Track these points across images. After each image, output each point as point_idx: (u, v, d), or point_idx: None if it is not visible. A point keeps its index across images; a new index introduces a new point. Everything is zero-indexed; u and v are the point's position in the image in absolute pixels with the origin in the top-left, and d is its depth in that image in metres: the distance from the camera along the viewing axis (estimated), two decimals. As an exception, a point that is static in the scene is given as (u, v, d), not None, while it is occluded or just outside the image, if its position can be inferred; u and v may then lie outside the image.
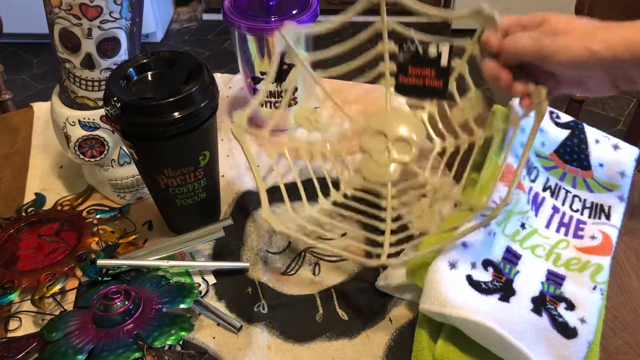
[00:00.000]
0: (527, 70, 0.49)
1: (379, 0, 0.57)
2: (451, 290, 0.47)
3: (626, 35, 0.43)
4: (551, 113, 0.62)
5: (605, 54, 0.43)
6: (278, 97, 0.70)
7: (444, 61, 0.55)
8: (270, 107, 0.72)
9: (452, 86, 0.58)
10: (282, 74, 0.66)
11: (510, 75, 0.49)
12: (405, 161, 0.57)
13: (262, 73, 0.69)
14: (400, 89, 0.58)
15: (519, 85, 0.49)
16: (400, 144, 0.58)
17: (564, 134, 0.63)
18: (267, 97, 0.71)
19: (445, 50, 0.55)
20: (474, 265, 0.50)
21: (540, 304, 0.48)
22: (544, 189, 0.59)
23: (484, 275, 0.50)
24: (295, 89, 0.70)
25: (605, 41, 0.43)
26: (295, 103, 0.72)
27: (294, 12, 0.66)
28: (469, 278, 0.49)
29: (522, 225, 0.56)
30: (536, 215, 0.57)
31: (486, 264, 0.51)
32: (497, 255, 0.52)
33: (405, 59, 0.56)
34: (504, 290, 0.49)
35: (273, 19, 0.65)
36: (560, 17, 0.47)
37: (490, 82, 0.50)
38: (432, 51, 0.55)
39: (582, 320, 0.47)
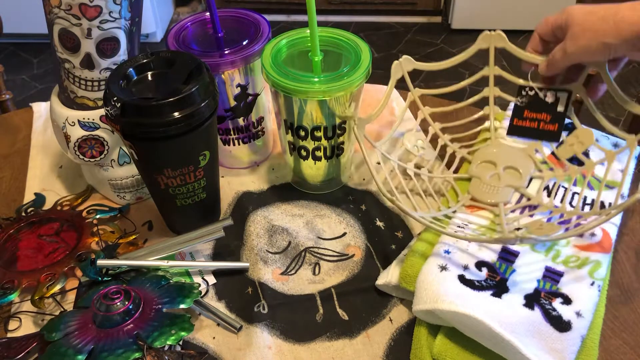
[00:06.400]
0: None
1: (489, 46, 0.60)
2: (443, 288, 0.48)
3: (629, 19, 0.47)
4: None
5: (618, 43, 0.47)
6: (246, 132, 0.66)
7: (561, 107, 0.58)
8: (236, 144, 0.67)
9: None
10: (248, 107, 0.63)
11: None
12: (518, 185, 0.59)
13: (227, 110, 0.63)
14: (514, 130, 0.61)
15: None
16: (511, 171, 0.60)
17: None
18: (236, 134, 0.66)
19: (563, 97, 0.58)
20: (466, 267, 0.50)
21: (533, 299, 0.48)
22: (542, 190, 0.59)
23: (478, 275, 0.50)
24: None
25: (616, 31, 0.47)
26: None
27: (245, 42, 0.60)
28: (461, 277, 0.49)
29: (518, 229, 0.56)
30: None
31: (480, 264, 0.51)
32: (492, 255, 0.52)
33: (522, 102, 0.59)
34: (497, 287, 0.49)
35: (226, 52, 0.59)
36: (578, 13, 0.50)
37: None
38: (550, 97, 0.58)
39: (578, 314, 0.47)
